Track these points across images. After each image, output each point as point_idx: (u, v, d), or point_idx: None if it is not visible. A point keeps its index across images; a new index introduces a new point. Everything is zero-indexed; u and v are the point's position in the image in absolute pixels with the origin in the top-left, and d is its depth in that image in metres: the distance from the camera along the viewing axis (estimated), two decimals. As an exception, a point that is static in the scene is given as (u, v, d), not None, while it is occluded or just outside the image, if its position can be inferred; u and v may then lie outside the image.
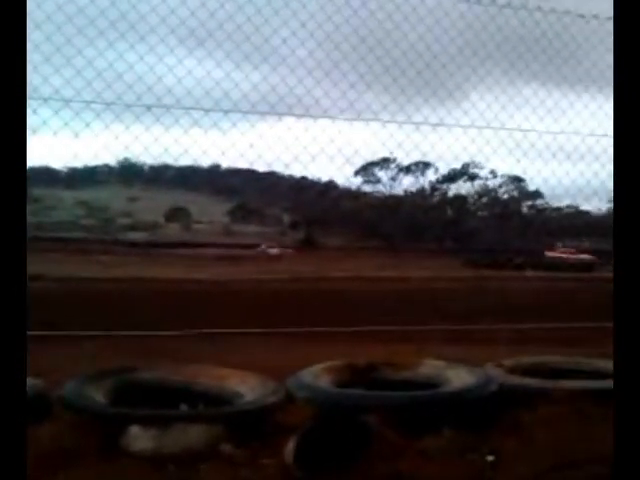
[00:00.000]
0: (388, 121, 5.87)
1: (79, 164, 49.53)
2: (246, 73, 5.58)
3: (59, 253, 30.52)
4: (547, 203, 48.40)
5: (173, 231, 50.45)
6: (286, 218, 54.18)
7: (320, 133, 5.72)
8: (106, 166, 55.75)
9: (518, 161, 6.26)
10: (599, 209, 33.49)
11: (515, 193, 52.03)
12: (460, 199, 51.84)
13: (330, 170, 6.35)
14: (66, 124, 5.14)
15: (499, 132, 6.09)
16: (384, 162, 48.26)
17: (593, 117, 6.19)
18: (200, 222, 52.70)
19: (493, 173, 49.82)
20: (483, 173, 50.19)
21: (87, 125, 5.25)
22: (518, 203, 52.31)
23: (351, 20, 5.55)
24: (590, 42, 6.09)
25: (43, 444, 3.33)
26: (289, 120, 5.64)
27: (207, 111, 5.36)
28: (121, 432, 3.53)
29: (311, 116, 5.56)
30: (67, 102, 5.00)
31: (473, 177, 51.18)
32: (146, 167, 56.85)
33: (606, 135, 6.08)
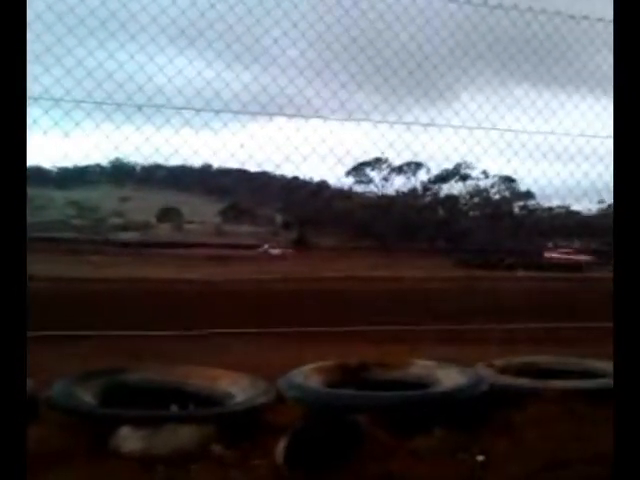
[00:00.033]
0: (379, 121, 5.89)
1: (69, 164, 49.30)
2: (237, 73, 5.59)
3: (50, 253, 30.28)
4: (538, 203, 48.56)
5: (164, 231, 50.28)
6: (278, 218, 54.09)
7: (311, 133, 5.72)
8: (97, 166, 55.41)
9: (509, 161, 6.28)
10: (589, 209, 33.70)
11: (507, 193, 52.14)
12: (452, 199, 51.93)
13: (322, 170, 6.36)
14: (56, 123, 5.13)
15: (490, 132, 6.12)
16: (376, 162, 48.25)
17: (583, 118, 6.22)
18: (192, 222, 52.55)
19: (485, 173, 49.89)
20: (475, 173, 50.29)
21: (77, 124, 5.23)
22: (509, 203, 52.43)
23: (342, 20, 5.56)
24: (581, 43, 6.12)
25: (31, 445, 3.30)
26: (280, 120, 5.65)
27: (198, 111, 5.36)
28: (111, 433, 3.51)
29: (302, 116, 5.56)
30: (57, 101, 4.97)
31: (465, 177, 51.27)
32: (137, 167, 56.63)
33: (596, 136, 6.12)
